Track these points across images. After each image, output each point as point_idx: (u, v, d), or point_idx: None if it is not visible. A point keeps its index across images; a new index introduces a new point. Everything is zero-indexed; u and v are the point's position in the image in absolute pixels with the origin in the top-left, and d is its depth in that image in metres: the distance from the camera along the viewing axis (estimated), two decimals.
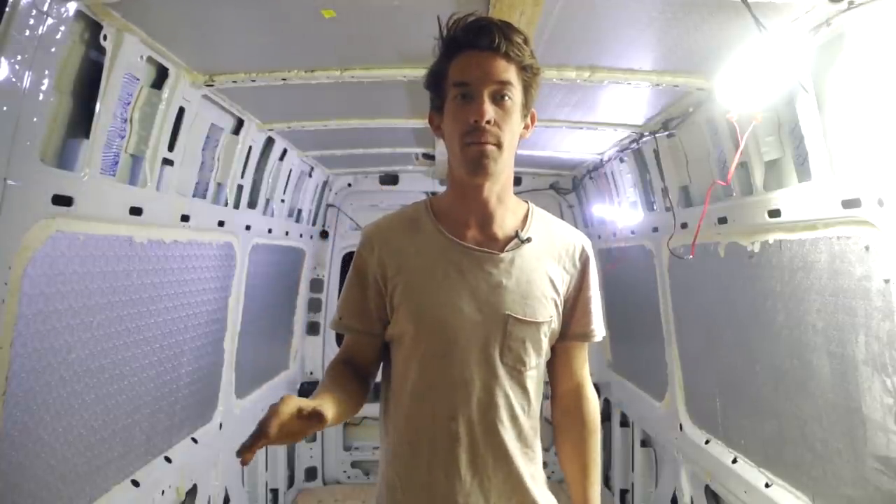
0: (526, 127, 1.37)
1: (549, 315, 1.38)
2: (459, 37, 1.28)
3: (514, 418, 1.35)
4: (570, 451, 1.49)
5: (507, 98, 1.27)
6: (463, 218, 1.38)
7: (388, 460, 1.41)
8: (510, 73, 1.27)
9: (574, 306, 1.44)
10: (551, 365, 1.49)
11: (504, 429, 1.34)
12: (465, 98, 1.27)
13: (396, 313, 1.37)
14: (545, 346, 1.40)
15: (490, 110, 1.25)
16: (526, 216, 1.44)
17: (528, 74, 1.30)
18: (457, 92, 1.28)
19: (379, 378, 1.49)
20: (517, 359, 1.34)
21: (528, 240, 1.39)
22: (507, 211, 1.40)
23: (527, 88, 1.31)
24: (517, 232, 1.39)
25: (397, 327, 1.37)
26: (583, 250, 1.45)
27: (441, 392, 1.33)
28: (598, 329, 1.48)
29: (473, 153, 1.27)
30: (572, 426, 1.49)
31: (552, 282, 1.39)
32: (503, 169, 1.33)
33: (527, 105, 1.33)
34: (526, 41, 1.28)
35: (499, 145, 1.27)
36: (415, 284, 1.36)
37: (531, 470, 1.38)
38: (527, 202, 1.49)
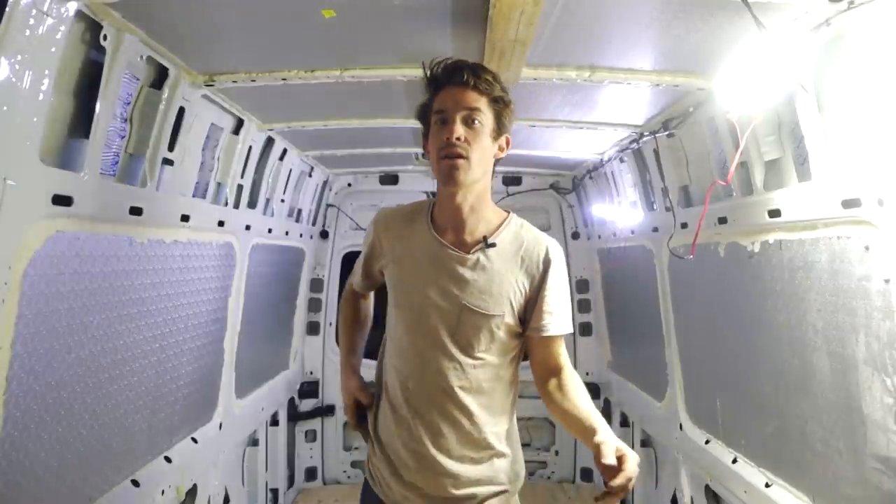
0: (501, 149, 1.63)
1: (501, 310, 1.62)
2: (439, 76, 1.58)
3: (462, 389, 1.61)
4: (558, 406, 1.63)
5: (476, 122, 1.54)
6: (443, 222, 1.66)
7: (379, 398, 1.77)
8: (480, 103, 1.55)
9: (534, 304, 1.65)
10: (529, 358, 1.72)
11: (449, 396, 1.61)
12: (442, 122, 1.55)
13: (387, 282, 1.72)
14: (500, 336, 1.63)
15: (460, 130, 1.53)
16: (500, 225, 1.67)
17: (500, 105, 1.58)
18: (437, 118, 1.57)
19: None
20: (467, 342, 1.61)
21: (493, 244, 1.63)
22: (480, 220, 1.65)
23: (498, 116, 1.58)
24: (485, 238, 1.63)
25: (390, 297, 1.71)
26: (546, 253, 1.65)
27: (407, 356, 1.65)
28: (554, 325, 1.65)
29: (445, 165, 1.54)
30: (556, 392, 1.65)
31: (511, 283, 1.63)
32: (475, 180, 1.58)
33: (499, 130, 1.60)
34: (495, 78, 1.57)
35: (467, 159, 1.53)
36: (401, 265, 1.68)
37: (486, 416, 1.64)
38: (508, 213, 1.71)
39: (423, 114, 1.65)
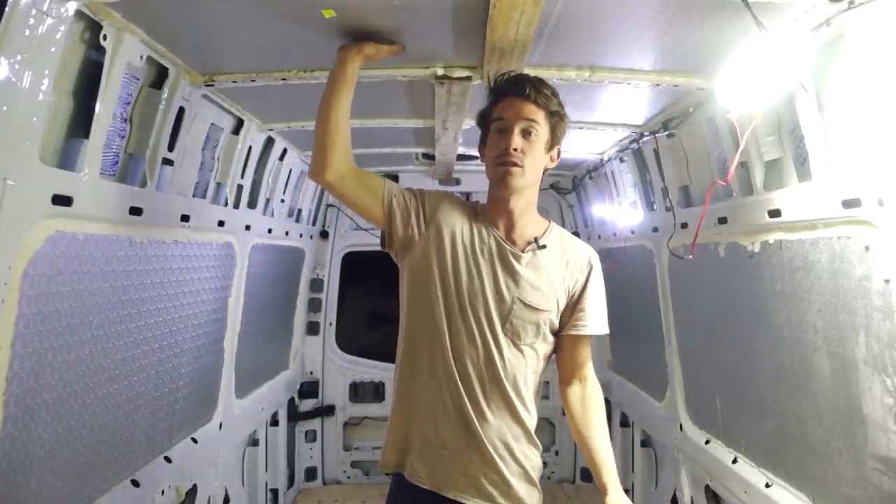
0: (552, 159, 1.78)
1: (549, 307, 1.73)
2: (503, 86, 1.71)
3: (506, 378, 1.70)
4: (574, 424, 1.83)
5: (532, 133, 1.67)
6: (496, 221, 1.77)
7: (405, 384, 1.77)
8: (538, 116, 1.67)
9: (574, 305, 1.77)
10: (558, 356, 1.83)
11: (497, 383, 1.69)
12: (501, 130, 1.68)
13: (429, 255, 1.72)
14: (543, 330, 1.74)
15: (518, 141, 1.65)
16: (546, 230, 1.79)
17: (555, 119, 1.71)
18: (496, 125, 1.70)
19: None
20: (515, 333, 1.71)
21: (544, 246, 1.75)
22: (529, 223, 1.77)
23: (553, 130, 1.71)
24: (536, 239, 1.75)
25: (426, 264, 1.72)
26: (589, 260, 1.81)
27: (453, 340, 1.69)
28: (593, 325, 1.78)
29: (501, 171, 1.67)
30: (578, 404, 1.82)
31: (558, 283, 1.75)
32: (526, 186, 1.71)
33: (552, 143, 1.73)
34: (554, 94, 1.70)
35: (522, 167, 1.66)
36: (456, 249, 1.72)
37: (521, 405, 1.72)
38: (549, 221, 1.84)
39: (483, 120, 1.78)
